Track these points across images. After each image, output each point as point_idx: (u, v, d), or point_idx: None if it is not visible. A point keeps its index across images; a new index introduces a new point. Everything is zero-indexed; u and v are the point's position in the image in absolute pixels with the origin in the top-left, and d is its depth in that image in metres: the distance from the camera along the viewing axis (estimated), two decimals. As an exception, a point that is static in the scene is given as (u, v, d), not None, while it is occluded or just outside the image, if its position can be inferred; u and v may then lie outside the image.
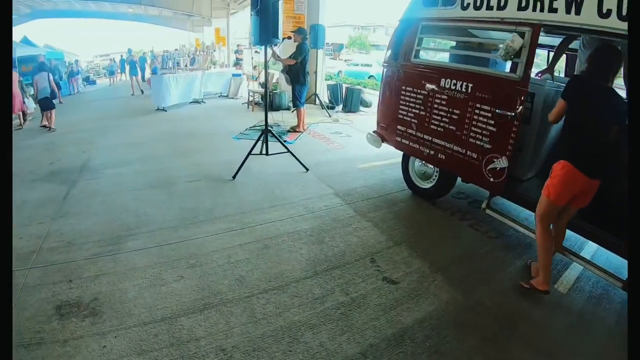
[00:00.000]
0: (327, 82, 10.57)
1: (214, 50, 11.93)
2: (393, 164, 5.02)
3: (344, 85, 10.18)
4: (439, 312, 2.43)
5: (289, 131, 7.04)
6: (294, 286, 2.64)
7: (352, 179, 4.74)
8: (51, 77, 7.49)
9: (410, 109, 3.72)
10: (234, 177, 4.63)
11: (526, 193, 3.08)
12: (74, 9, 17.53)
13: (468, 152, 3.23)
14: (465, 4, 3.19)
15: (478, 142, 3.14)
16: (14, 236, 3.19)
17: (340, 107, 9.65)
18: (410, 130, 3.76)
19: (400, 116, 3.82)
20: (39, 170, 4.92)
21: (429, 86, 3.48)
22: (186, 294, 2.55)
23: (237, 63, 13.24)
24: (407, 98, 3.73)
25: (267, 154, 4.95)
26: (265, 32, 4.34)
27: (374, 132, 4.37)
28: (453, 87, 3.29)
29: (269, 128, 5.02)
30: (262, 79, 9.62)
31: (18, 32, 13.99)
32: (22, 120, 7.74)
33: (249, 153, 4.73)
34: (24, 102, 7.67)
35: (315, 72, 9.32)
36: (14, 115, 7.04)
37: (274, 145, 5.04)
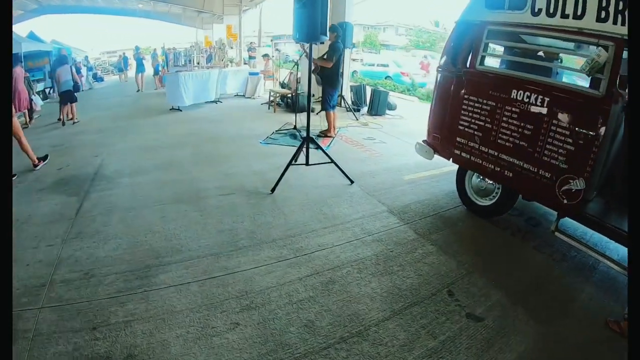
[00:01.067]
0: (350, 83, 9.96)
1: (231, 47, 11.31)
2: (439, 175, 4.71)
3: (368, 87, 9.58)
4: (530, 352, 2.14)
5: (319, 136, 6.43)
6: (374, 331, 2.20)
7: (402, 193, 4.20)
8: (74, 70, 7.39)
9: (474, 121, 3.38)
10: (272, 190, 4.02)
11: (594, 214, 2.86)
12: (82, 5, 17.01)
13: (540, 171, 2.96)
14: (536, 10, 2.91)
15: (553, 161, 2.88)
16: (19, 262, 2.63)
17: (365, 109, 9.03)
18: (472, 144, 3.42)
19: (462, 127, 3.46)
20: (46, 178, 4.32)
21: (498, 97, 3.17)
22: (246, 347, 2.01)
23: (250, 60, 12.66)
24: (471, 108, 3.38)
25: (307, 163, 4.33)
26: (313, 27, 3.74)
27: (423, 142, 3.97)
28: (526, 100, 2.99)
29: (311, 136, 4.39)
30: (285, 79, 9.05)
31: (25, 27, 13.45)
32: (27, 119, 7.14)
33: (290, 163, 4.14)
34: (31, 100, 7.07)
35: (342, 73, 8.72)
36: (19, 114, 6.43)
37: (311, 153, 4.44)
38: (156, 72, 12.98)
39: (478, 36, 3.28)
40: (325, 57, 6.00)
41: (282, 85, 9.31)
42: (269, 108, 8.75)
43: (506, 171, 3.16)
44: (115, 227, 3.19)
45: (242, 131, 6.55)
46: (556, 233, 2.95)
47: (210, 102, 8.99)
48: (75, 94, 7.30)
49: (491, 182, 3.55)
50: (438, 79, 3.74)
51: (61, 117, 7.25)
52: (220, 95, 9.51)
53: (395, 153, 5.75)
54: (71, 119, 7.33)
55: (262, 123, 7.31)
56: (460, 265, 2.89)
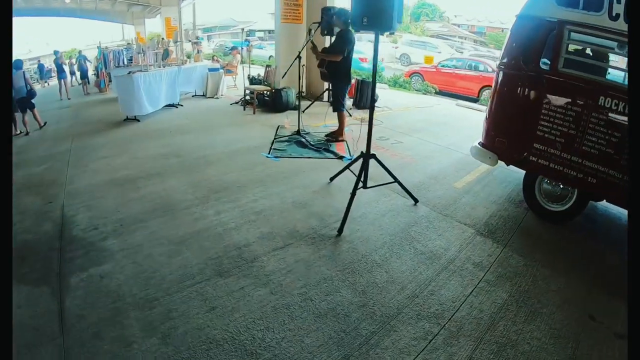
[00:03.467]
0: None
1: (176, 42, 9.48)
2: (482, 178, 4.41)
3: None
4: None
5: (328, 140, 5.39)
6: None
7: (469, 206, 3.68)
8: (27, 75, 6.78)
9: (556, 127, 3.19)
10: (339, 231, 2.99)
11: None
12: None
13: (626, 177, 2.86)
14: (614, 14, 2.73)
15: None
16: None
17: (350, 102, 8.12)
18: (553, 150, 3.23)
19: (541, 133, 3.24)
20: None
21: (584, 103, 3.00)
22: None
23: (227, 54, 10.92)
24: (553, 114, 3.18)
25: (365, 186, 3.33)
26: (387, 11, 2.76)
27: (480, 145, 3.70)
28: (614, 108, 2.84)
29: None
30: (262, 74, 7.72)
31: None
32: None
33: (353, 194, 3.14)
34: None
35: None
36: None
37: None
38: (84, 76, 10.63)
39: (555, 36, 3.07)
40: (332, 48, 4.95)
41: (252, 81, 7.98)
42: (244, 109, 7.40)
43: (590, 177, 3.02)
44: (143, 345, 1.92)
45: (232, 143, 5.24)
46: None
47: (169, 106, 7.36)
48: (31, 100, 6.67)
49: (567, 187, 3.38)
50: (500, 77, 3.49)
51: (26, 128, 6.47)
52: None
53: (424, 155, 5.13)
54: (22, 132, 6.39)
55: (249, 129, 6.04)
56: (581, 284, 2.62)
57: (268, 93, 7.38)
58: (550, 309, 2.35)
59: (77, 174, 4.21)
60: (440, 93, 11.48)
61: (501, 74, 3.48)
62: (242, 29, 8.21)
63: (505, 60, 3.43)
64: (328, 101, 7.88)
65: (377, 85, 8.41)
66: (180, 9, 13.04)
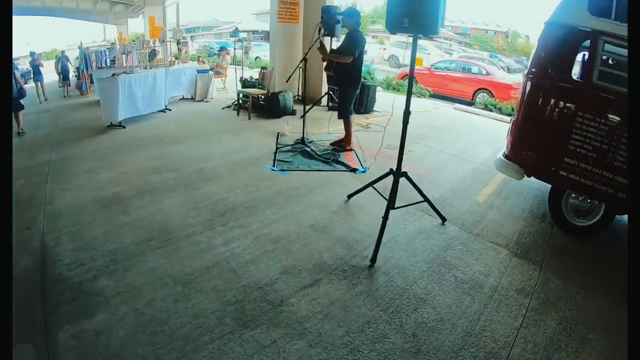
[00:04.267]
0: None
1: (162, 42, 8.86)
2: (500, 190, 4.21)
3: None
4: None
5: (336, 150, 5.02)
6: None
7: (495, 222, 3.46)
8: (18, 74, 6.25)
9: (588, 141, 3.04)
10: (372, 261, 2.66)
11: None
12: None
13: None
14: None
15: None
16: None
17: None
18: (584, 165, 3.08)
19: (573, 147, 3.08)
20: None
21: (619, 117, 2.86)
22: None
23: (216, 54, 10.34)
24: (586, 127, 3.02)
25: (393, 206, 2.98)
26: (432, 15, 2.46)
27: (505, 157, 3.50)
28: None
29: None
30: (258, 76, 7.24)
31: None
32: None
33: (386, 218, 2.79)
34: None
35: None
36: None
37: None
38: (65, 77, 9.84)
39: (590, 47, 2.93)
40: (342, 49, 4.58)
41: (245, 84, 7.53)
42: (238, 114, 6.93)
43: (620, 193, 2.89)
44: None
45: (231, 154, 4.80)
46: None
47: (157, 111, 6.81)
48: (20, 100, 6.11)
49: (595, 202, 3.28)
50: (529, 88, 3.30)
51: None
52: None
53: (438, 165, 4.86)
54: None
55: (247, 137, 5.60)
56: (618, 303, 2.44)
57: (263, 97, 6.94)
58: (597, 334, 2.20)
59: (58, 191, 3.68)
60: (433, 96, 11.30)
61: (529, 84, 3.28)
62: (236, 28, 7.71)
63: (534, 70, 3.25)
64: (327, 106, 7.54)
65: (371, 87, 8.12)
66: (165, 8, 12.35)
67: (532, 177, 3.37)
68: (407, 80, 13.12)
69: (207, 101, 8.12)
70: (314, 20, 7.57)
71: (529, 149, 3.34)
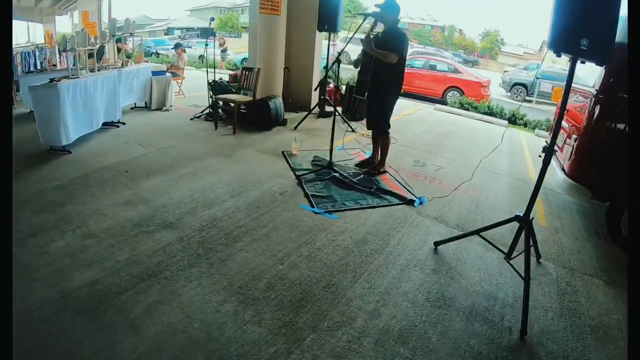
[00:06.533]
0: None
1: (113, 37, 6.92)
2: (548, 207, 4.03)
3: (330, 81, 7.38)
4: None
5: (368, 174, 4.07)
6: None
7: (572, 249, 3.21)
8: None
9: None
10: (522, 333, 2.04)
11: None
12: None
13: None
14: None
15: None
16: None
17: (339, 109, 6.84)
18: None
19: None
20: None
21: None
22: None
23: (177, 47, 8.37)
24: None
25: (510, 256, 2.20)
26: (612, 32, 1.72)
27: (570, 177, 3.40)
28: None
29: (527, 218, 2.34)
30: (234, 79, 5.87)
31: None
32: None
33: (527, 278, 2.15)
34: None
35: (327, 67, 6.26)
36: None
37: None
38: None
39: None
40: (387, 48, 3.62)
41: (217, 88, 6.16)
42: (216, 127, 5.58)
43: None
44: None
45: (240, 190, 3.57)
46: None
47: (107, 125, 5.16)
48: None
49: None
50: (597, 109, 3.21)
51: None
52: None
53: (478, 184, 4.31)
54: None
55: (244, 160, 4.39)
56: None
57: (246, 105, 5.68)
58: None
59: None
60: (402, 95, 10.85)
61: (599, 105, 3.21)
62: (212, 22, 6.25)
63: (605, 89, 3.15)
64: (319, 115, 6.50)
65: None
66: (101, 1, 10.02)
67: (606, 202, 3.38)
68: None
69: (167, 110, 6.56)
70: (297, 13, 6.45)
71: (599, 171, 3.28)
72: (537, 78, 13.21)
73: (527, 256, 2.19)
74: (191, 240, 2.65)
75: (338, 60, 3.81)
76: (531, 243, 2.42)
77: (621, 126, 3.14)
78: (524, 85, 14.19)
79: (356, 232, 2.95)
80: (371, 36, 3.68)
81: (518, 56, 36.89)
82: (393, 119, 4.08)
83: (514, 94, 14.36)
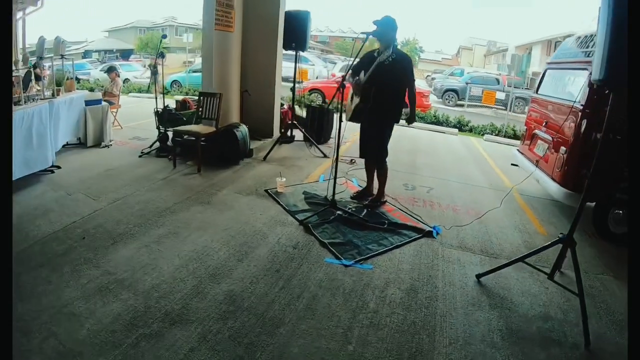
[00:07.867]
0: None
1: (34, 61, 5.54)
2: (539, 216, 4.25)
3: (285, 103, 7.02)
4: None
5: (371, 207, 3.78)
6: None
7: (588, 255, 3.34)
8: None
9: None
10: (586, 343, 1.73)
11: None
12: None
13: None
14: None
15: None
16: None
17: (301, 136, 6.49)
18: None
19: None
20: None
21: None
22: None
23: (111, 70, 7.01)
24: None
25: (552, 277, 2.31)
26: None
27: (566, 187, 3.65)
28: None
29: (571, 240, 2.60)
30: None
31: None
32: None
33: (582, 295, 2.29)
34: None
35: (293, 88, 5.82)
36: None
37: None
38: None
39: None
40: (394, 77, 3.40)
41: (169, 118, 5.40)
42: (175, 165, 4.82)
43: None
44: None
45: (244, 248, 3.01)
46: None
47: (42, 171, 4.13)
48: None
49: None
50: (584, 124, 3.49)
51: None
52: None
53: (474, 201, 4.47)
54: None
55: (228, 207, 3.80)
56: None
57: (204, 137, 5.00)
58: None
59: None
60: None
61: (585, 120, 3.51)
62: (163, 39, 5.41)
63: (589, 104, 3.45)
64: (281, 141, 5.99)
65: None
66: (16, 22, 8.09)
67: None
68: (312, 94, 12.52)
69: (107, 146, 5.57)
70: (253, 29, 5.93)
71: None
72: (467, 83, 14.19)
73: (577, 274, 2.32)
74: (219, 336, 2.05)
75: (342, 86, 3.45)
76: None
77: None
78: (454, 90, 15.18)
79: (400, 281, 2.65)
80: (376, 56, 3.41)
81: (437, 62, 40.07)
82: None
83: (446, 99, 15.31)
